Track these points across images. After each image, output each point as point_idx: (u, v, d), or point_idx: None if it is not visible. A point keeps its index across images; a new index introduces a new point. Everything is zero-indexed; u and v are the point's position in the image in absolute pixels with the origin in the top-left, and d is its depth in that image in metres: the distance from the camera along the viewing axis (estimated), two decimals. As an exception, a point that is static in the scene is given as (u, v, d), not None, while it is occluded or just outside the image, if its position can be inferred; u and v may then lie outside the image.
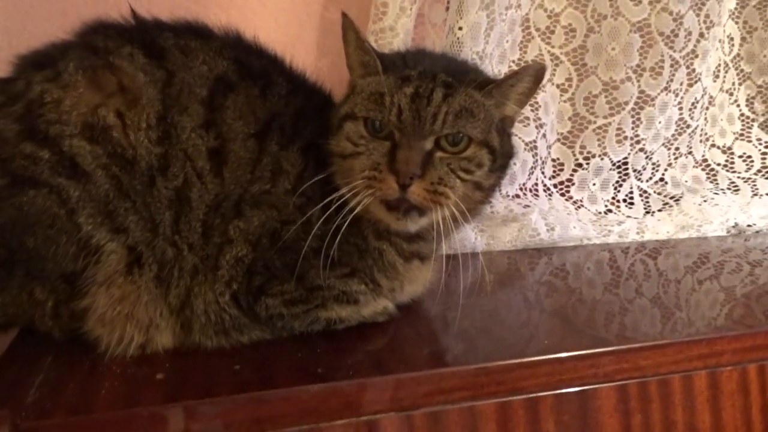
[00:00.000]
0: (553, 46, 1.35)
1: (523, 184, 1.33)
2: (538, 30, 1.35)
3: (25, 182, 0.72)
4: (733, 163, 1.54)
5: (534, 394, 0.74)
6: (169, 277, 0.76)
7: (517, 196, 1.33)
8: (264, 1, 1.22)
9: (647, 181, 1.45)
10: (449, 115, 0.75)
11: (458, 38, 1.14)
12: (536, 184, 1.35)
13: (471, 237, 1.20)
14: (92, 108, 0.74)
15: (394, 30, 1.15)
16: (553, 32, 1.35)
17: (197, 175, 0.77)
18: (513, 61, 1.32)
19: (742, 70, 1.54)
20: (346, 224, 0.75)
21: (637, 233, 1.35)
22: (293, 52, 0.89)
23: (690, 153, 1.49)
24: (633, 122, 1.38)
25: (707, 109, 1.50)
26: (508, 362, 0.73)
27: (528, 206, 1.30)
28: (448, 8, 1.21)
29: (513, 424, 0.73)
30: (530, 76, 0.81)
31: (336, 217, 0.76)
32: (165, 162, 0.76)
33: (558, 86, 1.37)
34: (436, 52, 0.96)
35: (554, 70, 1.36)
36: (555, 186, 1.38)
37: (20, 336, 0.80)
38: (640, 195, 1.44)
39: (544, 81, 1.23)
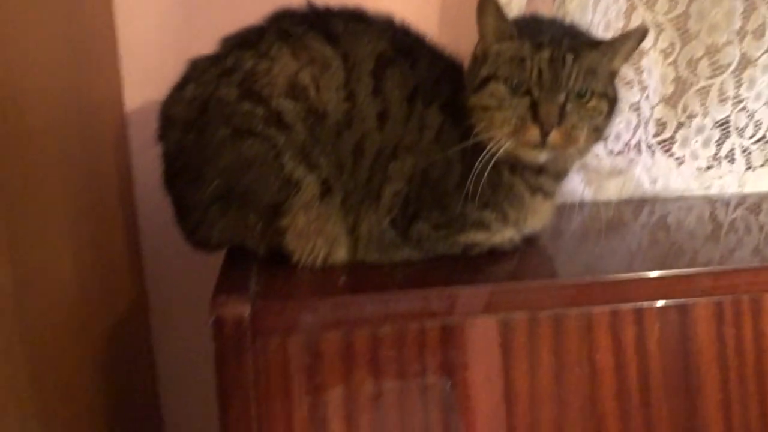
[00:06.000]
0: (656, 14, 1.46)
1: (627, 142, 1.46)
2: (641, -1, 1.45)
3: (243, 133, 0.96)
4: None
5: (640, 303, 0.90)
6: (349, 203, 0.99)
7: (621, 153, 1.46)
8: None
9: (749, 138, 1.53)
10: (579, 75, 0.93)
11: (568, 11, 1.28)
12: (639, 142, 1.47)
13: (579, 188, 1.35)
14: (293, 73, 0.97)
15: (510, 5, 1.30)
16: (656, 1, 1.45)
17: (369, 132, 0.98)
18: (618, 29, 1.44)
19: None
20: (489, 166, 0.94)
21: (738, 186, 1.45)
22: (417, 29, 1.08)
23: (793, 111, 1.54)
24: (735, 83, 1.47)
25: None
26: (618, 276, 0.91)
27: (632, 160, 1.43)
28: (557, -16, 1.36)
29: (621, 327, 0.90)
30: (636, 37, 0.99)
31: (474, 160, 0.95)
32: (349, 119, 0.98)
33: (662, 51, 1.46)
34: (546, 18, 1.11)
35: (657, 36, 1.46)
36: (658, 143, 1.49)
37: (228, 253, 1.04)
38: (742, 152, 1.52)
39: (648, 46, 1.40)
